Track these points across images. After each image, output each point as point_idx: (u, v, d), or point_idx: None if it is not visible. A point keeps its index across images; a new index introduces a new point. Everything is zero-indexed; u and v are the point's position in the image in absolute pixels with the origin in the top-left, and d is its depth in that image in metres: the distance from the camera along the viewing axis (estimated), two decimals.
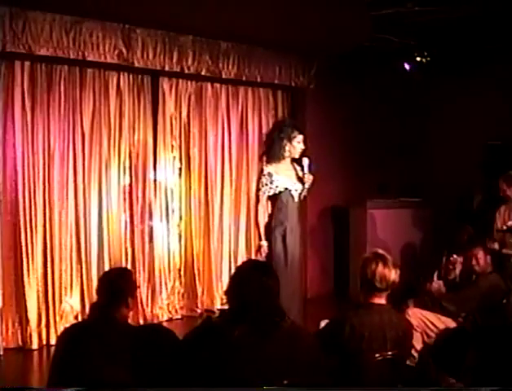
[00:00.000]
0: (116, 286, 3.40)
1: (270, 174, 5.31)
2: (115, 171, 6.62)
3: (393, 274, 3.33)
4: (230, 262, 7.49)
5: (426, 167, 8.41)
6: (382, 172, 8.29)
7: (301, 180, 5.40)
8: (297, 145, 5.39)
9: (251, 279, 2.80)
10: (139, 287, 6.39)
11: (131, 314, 4.13)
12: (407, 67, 7.75)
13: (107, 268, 6.14)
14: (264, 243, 5.29)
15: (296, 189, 5.38)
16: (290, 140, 5.35)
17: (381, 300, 3.36)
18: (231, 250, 7.56)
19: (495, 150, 7.68)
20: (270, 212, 5.42)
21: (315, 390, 2.74)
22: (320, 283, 8.00)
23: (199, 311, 7.15)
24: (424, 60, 7.52)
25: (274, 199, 5.35)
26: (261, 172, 5.39)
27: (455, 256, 5.53)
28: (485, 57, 7.52)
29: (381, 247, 7.20)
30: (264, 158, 5.49)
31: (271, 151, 5.38)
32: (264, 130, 7.27)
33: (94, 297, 3.54)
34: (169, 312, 7.00)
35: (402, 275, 4.27)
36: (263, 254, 5.25)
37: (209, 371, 2.64)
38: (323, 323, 3.83)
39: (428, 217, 8.08)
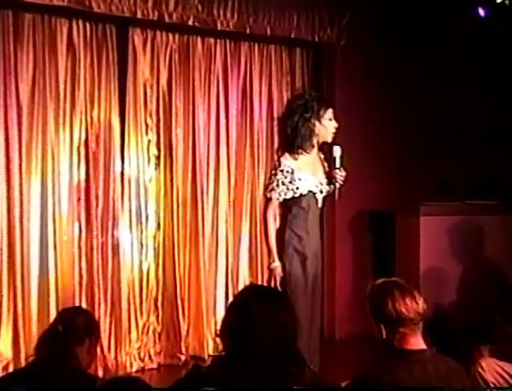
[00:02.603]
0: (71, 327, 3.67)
1: (291, 171, 5.20)
2: (65, 160, 6.60)
3: (420, 301, 3.36)
4: (227, 288, 7.47)
5: (505, 159, 8.19)
6: (442, 166, 8.19)
7: (330, 178, 5.33)
8: (328, 123, 5.31)
9: (256, 312, 2.79)
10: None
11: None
12: (481, 13, 7.51)
13: (52, 297, 6.26)
14: (277, 263, 5.24)
15: (321, 191, 5.33)
16: (319, 119, 5.26)
17: (417, 339, 3.33)
18: (229, 271, 7.53)
19: None
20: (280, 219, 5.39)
21: None
22: (353, 319, 7.76)
23: (183, 358, 7.09)
24: (507, 2, 7.22)
25: (290, 203, 5.25)
26: (278, 165, 5.26)
27: None
28: None
29: (439, 267, 7.34)
30: (281, 148, 5.40)
31: (297, 138, 5.25)
32: (275, 103, 7.31)
33: (33, 338, 3.67)
34: (141, 359, 6.94)
35: (473, 312, 4.09)
36: (278, 279, 5.22)
37: None
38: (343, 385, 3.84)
39: (509, 227, 7.90)
